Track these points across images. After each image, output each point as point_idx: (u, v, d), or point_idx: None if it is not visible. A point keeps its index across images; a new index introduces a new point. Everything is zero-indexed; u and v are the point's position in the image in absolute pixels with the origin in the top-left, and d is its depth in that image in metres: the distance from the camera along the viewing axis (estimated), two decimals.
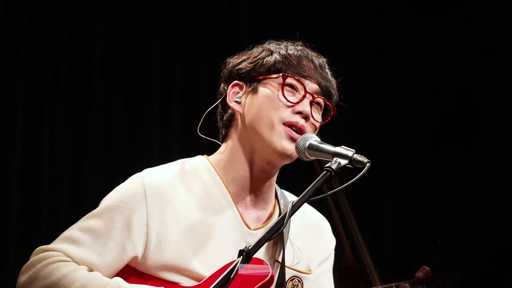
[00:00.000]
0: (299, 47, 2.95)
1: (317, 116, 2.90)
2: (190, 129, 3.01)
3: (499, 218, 5.85)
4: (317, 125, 2.89)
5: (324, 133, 2.96)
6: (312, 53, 2.95)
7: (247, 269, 2.73)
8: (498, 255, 5.65)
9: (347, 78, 3.02)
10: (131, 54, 5.48)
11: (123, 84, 5.44)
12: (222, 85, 2.99)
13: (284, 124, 2.84)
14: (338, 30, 6.08)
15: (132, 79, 5.47)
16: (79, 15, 5.32)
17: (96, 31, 5.37)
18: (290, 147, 2.82)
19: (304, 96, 2.86)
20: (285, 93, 2.85)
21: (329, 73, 2.95)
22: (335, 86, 2.96)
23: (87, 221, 2.79)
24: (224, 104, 2.96)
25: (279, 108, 2.84)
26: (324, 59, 2.97)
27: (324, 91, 2.91)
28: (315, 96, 2.89)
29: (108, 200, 2.81)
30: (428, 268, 3.99)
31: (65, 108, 5.25)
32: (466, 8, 6.10)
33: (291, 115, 2.84)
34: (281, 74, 2.87)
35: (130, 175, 2.87)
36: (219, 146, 3.00)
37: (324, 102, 2.92)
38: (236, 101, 2.92)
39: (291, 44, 2.96)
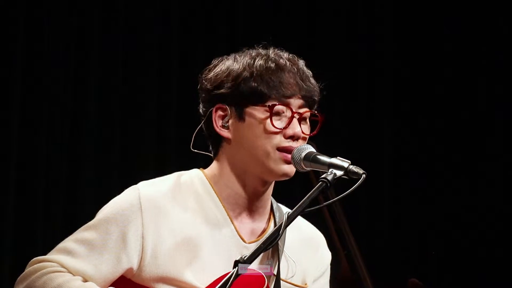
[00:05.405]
0: (275, 58, 2.87)
1: (306, 129, 2.89)
2: (187, 141, 3.00)
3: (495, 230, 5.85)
4: (307, 136, 2.89)
5: (320, 143, 2.97)
6: (288, 62, 2.88)
7: (242, 280, 2.73)
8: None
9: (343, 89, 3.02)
10: (128, 61, 5.47)
11: (120, 93, 5.43)
12: (202, 105, 2.94)
13: (278, 149, 2.83)
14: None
15: (129, 87, 5.46)
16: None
17: (94, 33, 5.38)
18: (289, 170, 2.83)
19: (292, 117, 2.85)
20: (274, 122, 2.83)
21: (308, 76, 2.90)
22: (317, 89, 2.91)
23: (83, 232, 2.80)
24: (209, 126, 2.91)
25: (271, 136, 2.83)
26: (301, 62, 2.91)
27: (309, 102, 2.88)
28: (301, 112, 2.87)
29: (104, 212, 2.82)
30: (416, 280, 4.00)
31: (61, 116, 5.25)
32: None
33: (284, 140, 2.83)
34: (266, 104, 2.83)
35: (126, 187, 2.88)
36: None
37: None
38: (223, 126, 2.89)
39: (265, 55, 2.89)
